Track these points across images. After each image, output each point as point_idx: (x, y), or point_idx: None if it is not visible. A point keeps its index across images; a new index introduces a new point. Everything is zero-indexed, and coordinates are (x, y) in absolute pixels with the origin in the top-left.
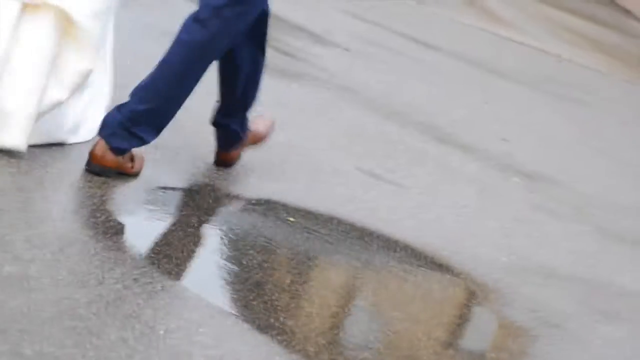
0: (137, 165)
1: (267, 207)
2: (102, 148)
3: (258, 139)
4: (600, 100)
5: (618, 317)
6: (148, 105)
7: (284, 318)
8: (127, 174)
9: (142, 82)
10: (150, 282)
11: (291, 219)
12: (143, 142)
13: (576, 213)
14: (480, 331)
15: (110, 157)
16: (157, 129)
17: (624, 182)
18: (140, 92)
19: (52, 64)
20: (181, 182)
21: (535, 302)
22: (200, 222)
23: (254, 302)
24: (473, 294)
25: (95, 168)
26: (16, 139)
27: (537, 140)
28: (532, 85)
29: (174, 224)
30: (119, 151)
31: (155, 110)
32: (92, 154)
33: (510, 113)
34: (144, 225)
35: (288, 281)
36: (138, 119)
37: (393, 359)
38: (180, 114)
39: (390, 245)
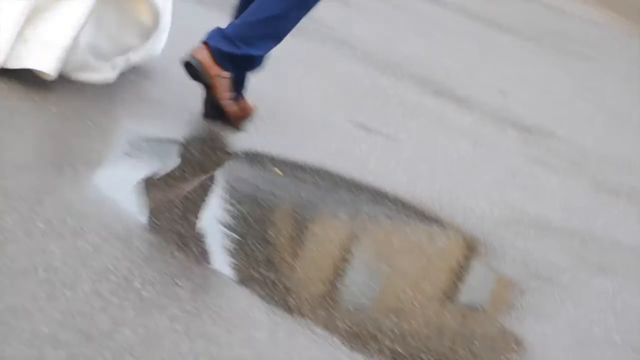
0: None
1: (254, 159)
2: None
3: (244, 114)
4: (601, 54)
5: (612, 270)
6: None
7: (266, 271)
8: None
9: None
10: (129, 235)
11: (278, 171)
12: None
13: (572, 167)
14: (469, 285)
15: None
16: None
17: (621, 136)
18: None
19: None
20: (166, 134)
21: (527, 255)
22: (185, 175)
23: (235, 255)
24: (463, 247)
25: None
26: (48, 65)
27: (535, 93)
28: (533, 39)
29: (156, 176)
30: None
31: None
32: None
33: (509, 66)
34: (125, 177)
35: (272, 233)
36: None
37: (378, 313)
38: (166, 65)
39: (380, 198)
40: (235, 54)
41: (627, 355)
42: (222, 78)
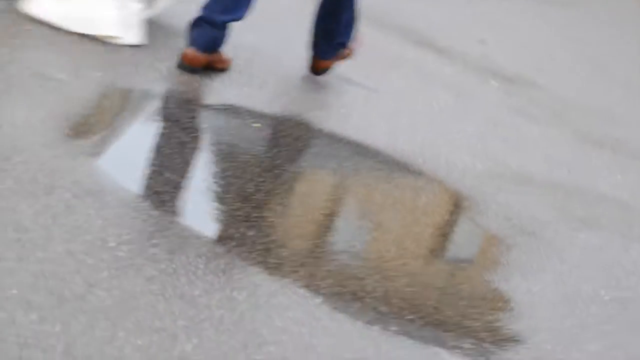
0: (225, 62)
1: (231, 112)
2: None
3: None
4: (583, 2)
5: (597, 223)
6: None
7: (245, 228)
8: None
9: None
10: (101, 191)
11: (257, 125)
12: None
13: (555, 117)
14: (452, 240)
15: (201, 58)
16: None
17: (604, 86)
18: None
19: None
20: (141, 86)
21: (510, 209)
22: (160, 128)
23: (213, 212)
24: (447, 203)
25: (186, 68)
26: (137, 36)
27: (517, 43)
28: None
29: (130, 130)
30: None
31: None
32: (183, 56)
33: (490, 16)
34: (98, 133)
35: (251, 190)
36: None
37: (360, 270)
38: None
39: (361, 152)
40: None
41: (614, 311)
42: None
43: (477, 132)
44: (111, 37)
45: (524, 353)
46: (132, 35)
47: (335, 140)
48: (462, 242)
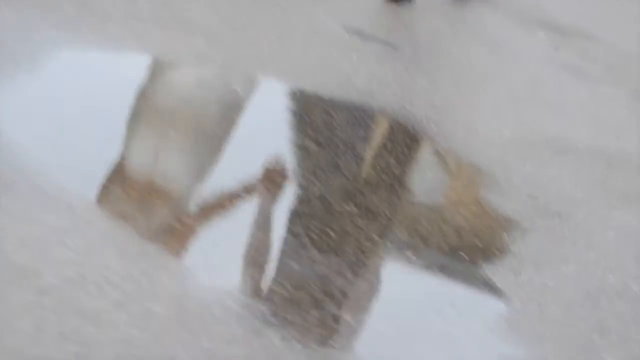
0: None
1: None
2: None
3: None
4: None
5: (639, 201)
6: None
7: None
8: None
9: None
10: None
11: (238, 90)
12: None
13: (609, 74)
14: (456, 225)
15: None
16: None
17: None
18: None
19: None
20: None
21: (536, 184)
22: None
23: None
24: (459, 177)
25: None
26: None
27: None
28: None
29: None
30: None
31: None
32: None
33: None
34: None
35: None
36: None
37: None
38: None
39: (360, 120)
40: None
41: None
42: None
43: (511, 93)
44: None
45: None
46: None
47: (333, 106)
48: (467, 227)
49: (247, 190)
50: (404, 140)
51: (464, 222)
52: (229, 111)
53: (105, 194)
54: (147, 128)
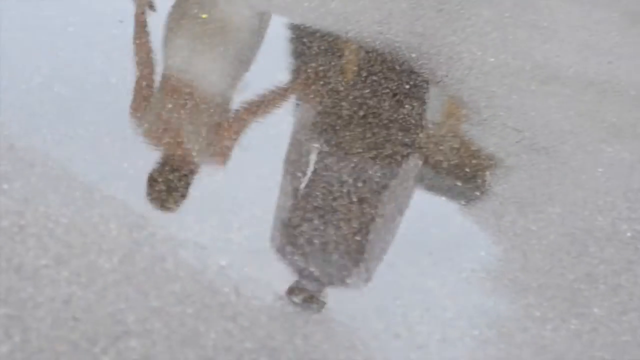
0: None
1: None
2: None
3: None
4: None
5: (632, 133)
6: None
7: None
8: None
9: None
10: None
11: (203, 15)
12: None
13: None
14: (436, 165)
15: None
16: None
17: None
18: None
19: None
20: None
21: (522, 116)
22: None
23: None
24: (439, 109)
25: None
26: None
27: None
28: None
29: None
30: None
31: None
32: None
33: None
34: None
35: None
36: None
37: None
38: None
39: (335, 47)
40: None
41: (635, 253)
42: None
43: (496, 17)
44: None
45: (496, 325)
46: None
47: (307, 33)
48: (445, 164)
49: (282, 93)
50: (381, 70)
51: (442, 159)
52: (253, 34)
53: (139, 102)
54: (184, 39)
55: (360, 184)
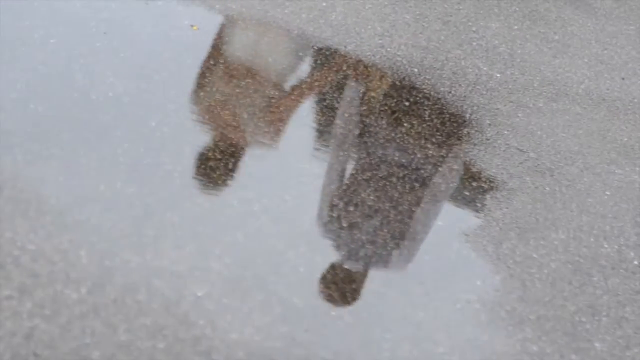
0: None
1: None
2: None
3: None
4: None
5: None
6: None
7: None
8: None
9: None
10: None
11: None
12: None
13: (619, 6)
14: (435, 186)
15: None
16: None
17: None
18: None
19: None
20: None
21: (526, 136)
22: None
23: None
24: (440, 128)
25: None
26: None
27: None
28: None
29: None
30: None
31: None
32: None
33: None
34: None
35: None
36: None
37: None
38: None
39: (332, 58)
40: None
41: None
42: None
43: (504, 29)
44: None
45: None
46: None
47: (303, 42)
48: (442, 186)
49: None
50: (379, 85)
51: (440, 181)
52: None
53: (202, 81)
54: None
55: (413, 167)
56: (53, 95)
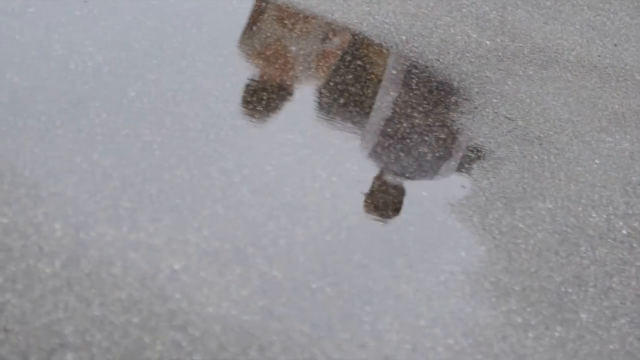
0: None
1: None
2: None
3: None
4: None
5: (636, 122)
6: None
7: None
8: None
9: None
10: None
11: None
12: None
13: None
14: (416, 153)
15: None
16: None
17: None
18: None
19: None
20: None
21: (516, 103)
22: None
23: None
24: (427, 95)
25: None
26: None
27: None
28: None
29: None
30: None
31: None
32: None
33: None
34: None
35: None
36: None
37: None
38: None
39: (324, 30)
40: None
41: (629, 252)
42: None
43: None
44: None
45: (473, 333)
46: None
47: (292, 13)
48: (429, 156)
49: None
50: (367, 54)
51: (427, 150)
52: None
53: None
54: None
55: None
56: (30, 66)
